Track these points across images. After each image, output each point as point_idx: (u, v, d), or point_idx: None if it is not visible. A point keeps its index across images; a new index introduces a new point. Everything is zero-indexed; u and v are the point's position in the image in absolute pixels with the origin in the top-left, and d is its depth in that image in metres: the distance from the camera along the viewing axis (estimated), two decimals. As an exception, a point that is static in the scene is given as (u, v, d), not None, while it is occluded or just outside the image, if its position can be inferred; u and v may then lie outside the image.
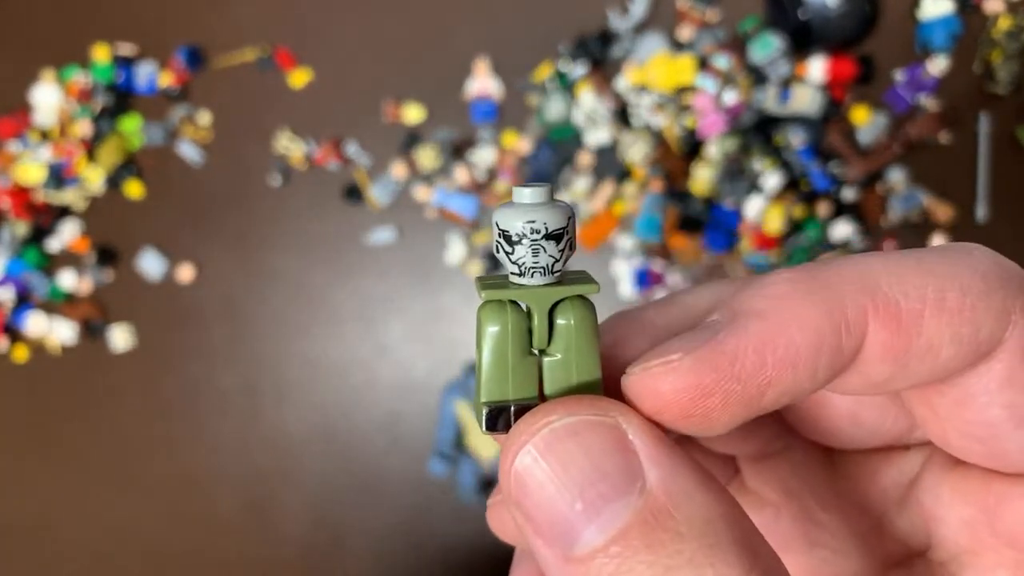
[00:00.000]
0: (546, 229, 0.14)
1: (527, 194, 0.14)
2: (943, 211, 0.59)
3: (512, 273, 0.15)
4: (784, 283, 0.13)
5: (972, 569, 0.16)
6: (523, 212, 0.14)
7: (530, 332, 0.15)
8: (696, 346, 0.13)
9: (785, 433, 0.18)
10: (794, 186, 0.61)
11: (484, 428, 0.14)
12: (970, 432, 0.14)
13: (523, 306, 0.15)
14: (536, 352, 0.15)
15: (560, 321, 0.15)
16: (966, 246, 0.13)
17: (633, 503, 0.12)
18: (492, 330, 0.14)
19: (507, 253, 0.14)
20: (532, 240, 0.14)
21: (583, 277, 0.15)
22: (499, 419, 0.14)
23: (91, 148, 0.69)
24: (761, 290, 0.13)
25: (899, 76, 0.60)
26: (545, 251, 0.14)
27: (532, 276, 0.14)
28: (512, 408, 0.15)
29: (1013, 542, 0.15)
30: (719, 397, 0.13)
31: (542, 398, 0.15)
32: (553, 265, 0.14)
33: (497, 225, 0.14)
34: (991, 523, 0.15)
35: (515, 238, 0.14)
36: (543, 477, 0.13)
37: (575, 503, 0.12)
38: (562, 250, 0.15)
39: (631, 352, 0.15)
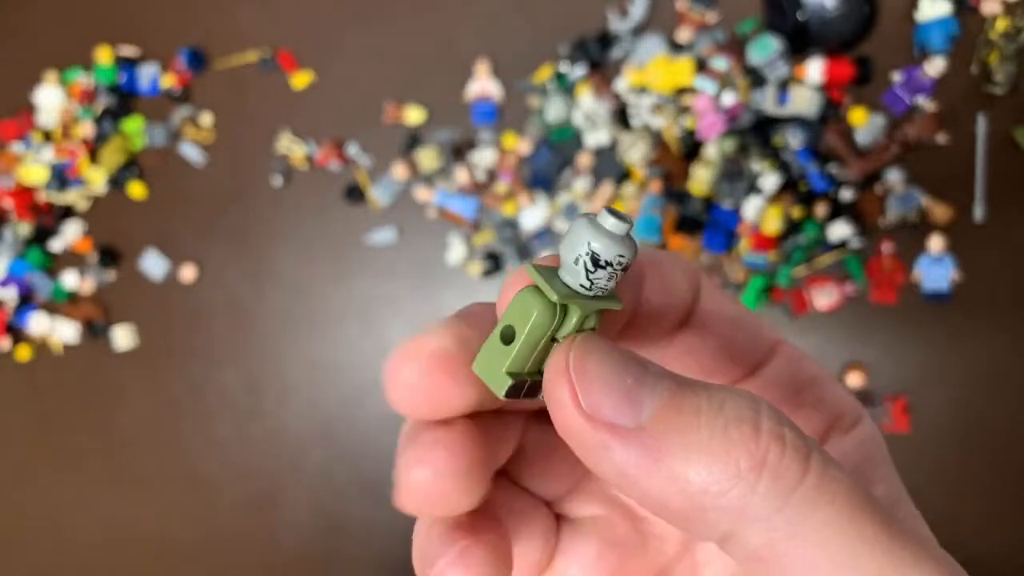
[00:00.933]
0: (626, 263, 0.16)
1: (621, 227, 0.16)
2: (941, 211, 0.59)
3: (582, 285, 0.17)
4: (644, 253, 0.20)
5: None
6: (618, 244, 0.16)
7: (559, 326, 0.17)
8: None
9: None
10: (792, 187, 0.61)
11: (504, 396, 0.17)
12: (722, 347, 0.21)
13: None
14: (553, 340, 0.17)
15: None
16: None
17: (658, 377, 0.16)
18: (539, 322, 0.16)
19: (588, 272, 0.16)
20: (615, 270, 0.16)
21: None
22: (517, 389, 0.17)
23: (93, 149, 0.69)
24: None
25: (897, 77, 0.60)
26: (616, 278, 0.17)
27: (599, 292, 0.17)
28: (528, 382, 0.17)
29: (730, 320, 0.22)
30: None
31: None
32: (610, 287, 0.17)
33: (590, 246, 0.16)
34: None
35: (603, 263, 0.16)
36: (594, 369, 0.16)
37: (626, 379, 0.15)
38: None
39: None
